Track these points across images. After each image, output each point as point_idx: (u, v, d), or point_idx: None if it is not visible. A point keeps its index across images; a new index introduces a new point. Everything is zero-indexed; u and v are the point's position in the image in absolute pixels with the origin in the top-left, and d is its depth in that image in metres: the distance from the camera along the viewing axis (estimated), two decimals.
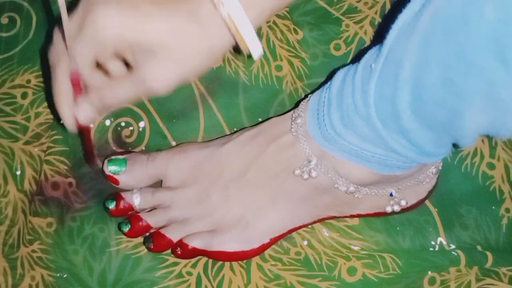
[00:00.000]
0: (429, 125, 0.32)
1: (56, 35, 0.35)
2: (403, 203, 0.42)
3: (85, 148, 0.44)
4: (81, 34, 0.32)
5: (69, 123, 0.36)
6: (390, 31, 0.32)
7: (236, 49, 0.33)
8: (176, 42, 0.31)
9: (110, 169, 0.43)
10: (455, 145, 0.36)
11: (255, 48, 0.32)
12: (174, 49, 0.31)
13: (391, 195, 0.42)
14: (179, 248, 0.42)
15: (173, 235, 0.42)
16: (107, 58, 0.33)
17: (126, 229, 0.43)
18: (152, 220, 0.43)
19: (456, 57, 0.27)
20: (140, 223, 0.42)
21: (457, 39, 0.27)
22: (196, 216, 0.43)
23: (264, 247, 0.43)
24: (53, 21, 0.51)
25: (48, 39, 0.39)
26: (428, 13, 0.29)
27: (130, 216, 0.43)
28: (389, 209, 0.43)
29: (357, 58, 0.36)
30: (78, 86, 0.35)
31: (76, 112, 0.35)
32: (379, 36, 0.35)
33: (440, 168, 0.44)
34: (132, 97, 0.34)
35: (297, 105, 0.41)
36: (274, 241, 0.43)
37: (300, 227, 0.43)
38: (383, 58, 0.32)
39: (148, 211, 0.44)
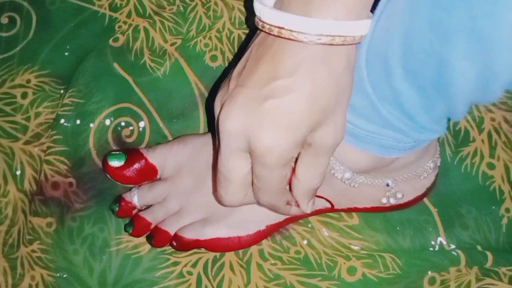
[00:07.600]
0: (420, 83, 0.31)
1: None
2: (399, 195, 0.42)
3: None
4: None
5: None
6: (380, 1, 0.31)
7: None
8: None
9: (110, 163, 0.44)
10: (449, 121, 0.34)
11: None
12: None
13: (387, 185, 0.42)
14: (174, 241, 0.42)
15: (170, 227, 0.43)
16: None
17: (130, 230, 0.43)
18: (150, 216, 0.43)
19: None
20: (141, 221, 0.43)
21: None
22: (192, 204, 0.43)
23: (260, 235, 0.43)
24: (53, 21, 0.51)
25: None
26: None
27: (133, 216, 0.44)
28: (384, 200, 0.42)
29: None
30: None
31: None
32: None
33: (439, 164, 0.43)
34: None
35: None
36: (270, 229, 0.43)
37: (296, 218, 0.43)
38: (375, 22, 0.31)
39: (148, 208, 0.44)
